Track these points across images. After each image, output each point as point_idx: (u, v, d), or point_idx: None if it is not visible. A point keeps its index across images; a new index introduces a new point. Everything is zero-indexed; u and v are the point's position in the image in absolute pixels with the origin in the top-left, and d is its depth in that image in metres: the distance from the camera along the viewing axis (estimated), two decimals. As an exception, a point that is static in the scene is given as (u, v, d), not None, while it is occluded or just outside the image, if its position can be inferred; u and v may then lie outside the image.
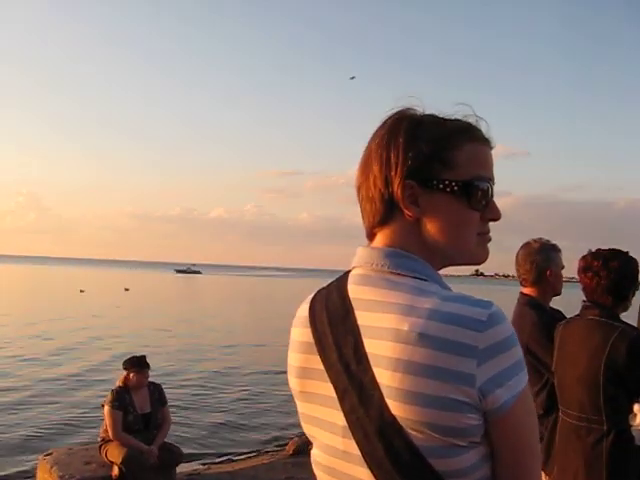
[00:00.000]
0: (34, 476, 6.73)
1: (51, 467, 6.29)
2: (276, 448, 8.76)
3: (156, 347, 17.89)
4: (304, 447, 8.14)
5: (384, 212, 1.19)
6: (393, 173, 1.16)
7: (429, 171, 1.16)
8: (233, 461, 8.23)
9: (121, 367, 6.18)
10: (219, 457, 8.41)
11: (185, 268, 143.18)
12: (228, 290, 71.73)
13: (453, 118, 1.21)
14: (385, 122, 1.22)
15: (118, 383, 6.13)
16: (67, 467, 6.24)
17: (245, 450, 8.76)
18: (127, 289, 52.40)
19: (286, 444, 8.49)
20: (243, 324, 28.21)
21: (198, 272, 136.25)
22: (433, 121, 1.20)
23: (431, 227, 1.18)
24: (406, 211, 1.17)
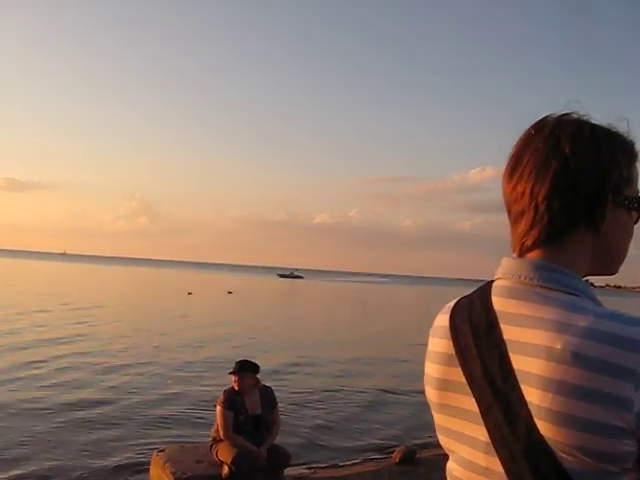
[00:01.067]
0: (147, 471, 6.92)
1: (164, 463, 6.50)
2: (382, 456, 8.66)
3: (268, 351, 18.07)
4: (410, 456, 8.06)
5: (556, 225, 1.12)
6: (576, 185, 1.10)
7: (620, 186, 1.13)
8: (339, 467, 8.17)
9: (232, 369, 6.26)
10: (325, 462, 8.37)
11: (288, 272, 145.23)
12: (332, 295, 71.72)
13: (614, 130, 1.16)
14: (546, 128, 1.15)
15: (230, 384, 6.21)
16: (179, 464, 6.44)
17: (351, 456, 8.68)
18: (230, 292, 53.19)
19: (392, 452, 8.40)
20: (354, 331, 27.94)
21: (300, 277, 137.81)
22: (608, 132, 1.15)
23: (610, 242, 1.16)
24: (599, 226, 1.12)
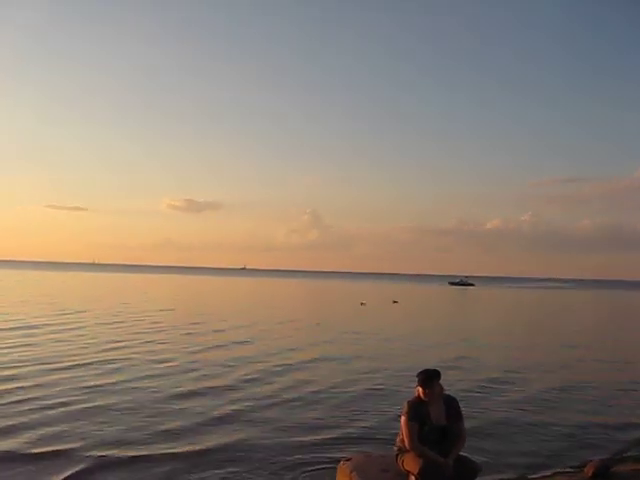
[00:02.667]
0: (334, 479, 7.04)
1: (350, 472, 6.61)
2: (573, 469, 8.25)
3: (452, 361, 17.88)
4: (604, 470, 7.62)
5: None
6: None
7: None
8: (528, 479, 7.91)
9: (418, 379, 6.18)
10: (514, 474, 8.08)
11: (458, 280, 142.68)
12: (508, 302, 69.49)
13: None
14: None
15: (414, 394, 6.15)
16: (365, 473, 6.53)
17: (539, 469, 8.29)
18: (395, 301, 52.94)
19: (584, 465, 7.99)
20: (529, 340, 26.91)
21: (471, 284, 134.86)
22: None
23: None
24: None
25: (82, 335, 21.97)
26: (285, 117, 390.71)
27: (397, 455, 6.23)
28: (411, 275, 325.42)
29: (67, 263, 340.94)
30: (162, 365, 15.94)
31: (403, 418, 6.05)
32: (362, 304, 47.98)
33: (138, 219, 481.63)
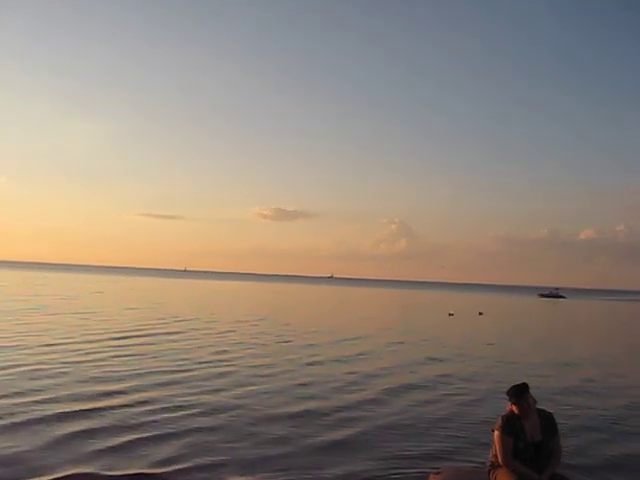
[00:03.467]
0: None
1: (440, 485, 6.57)
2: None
3: (543, 377, 17.06)
4: None
5: None
6: None
7: None
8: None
9: (510, 394, 6.05)
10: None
11: (548, 292, 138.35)
12: (607, 316, 66.77)
13: None
14: None
15: (508, 409, 6.06)
16: (456, 487, 6.51)
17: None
18: (481, 313, 52.01)
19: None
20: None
21: (562, 296, 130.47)
22: None
23: None
24: None
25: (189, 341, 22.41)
26: (379, 125, 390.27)
27: (489, 470, 6.15)
28: (499, 286, 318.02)
29: (159, 270, 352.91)
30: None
31: (497, 433, 5.96)
32: (450, 315, 47.77)
33: (229, 227, 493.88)
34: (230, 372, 15.88)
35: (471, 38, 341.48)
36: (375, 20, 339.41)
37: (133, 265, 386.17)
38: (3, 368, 14.79)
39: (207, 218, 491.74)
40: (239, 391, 13.35)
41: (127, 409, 11.13)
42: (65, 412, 10.63)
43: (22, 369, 14.79)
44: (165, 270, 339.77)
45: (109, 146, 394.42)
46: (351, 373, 16.53)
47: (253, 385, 14.15)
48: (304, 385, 14.46)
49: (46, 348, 18.53)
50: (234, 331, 26.91)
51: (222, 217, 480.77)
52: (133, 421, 10.30)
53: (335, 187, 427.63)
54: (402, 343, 25.37)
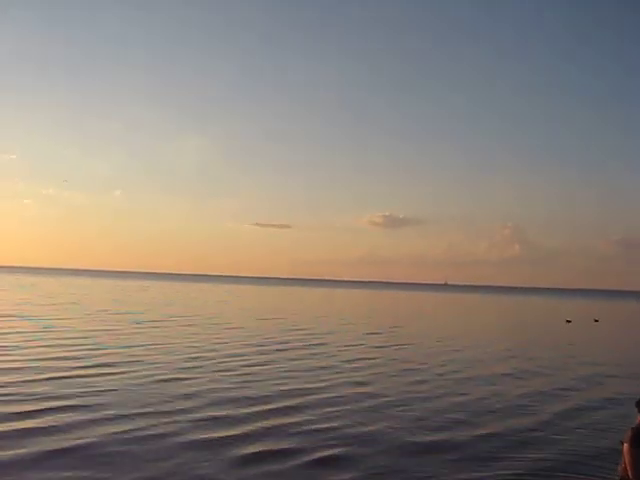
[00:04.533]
0: None
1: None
2: None
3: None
4: None
5: None
6: None
7: None
8: None
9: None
10: None
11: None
12: None
13: None
14: None
15: (637, 421, 5.96)
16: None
17: None
18: (596, 320, 50.88)
19: None
20: None
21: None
22: None
23: None
24: None
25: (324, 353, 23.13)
26: (485, 126, 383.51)
27: (619, 484, 6.05)
28: (615, 291, 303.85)
29: (270, 278, 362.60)
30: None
31: (626, 446, 5.81)
32: (568, 322, 47.60)
33: (340, 235, 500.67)
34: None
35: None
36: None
37: (244, 274, 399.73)
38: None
39: (317, 227, 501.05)
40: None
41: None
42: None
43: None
44: (276, 279, 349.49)
45: (221, 158, 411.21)
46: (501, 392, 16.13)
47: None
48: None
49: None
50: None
51: (332, 225, 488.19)
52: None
53: (443, 192, 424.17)
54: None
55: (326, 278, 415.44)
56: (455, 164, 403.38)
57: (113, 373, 16.39)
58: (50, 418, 11.15)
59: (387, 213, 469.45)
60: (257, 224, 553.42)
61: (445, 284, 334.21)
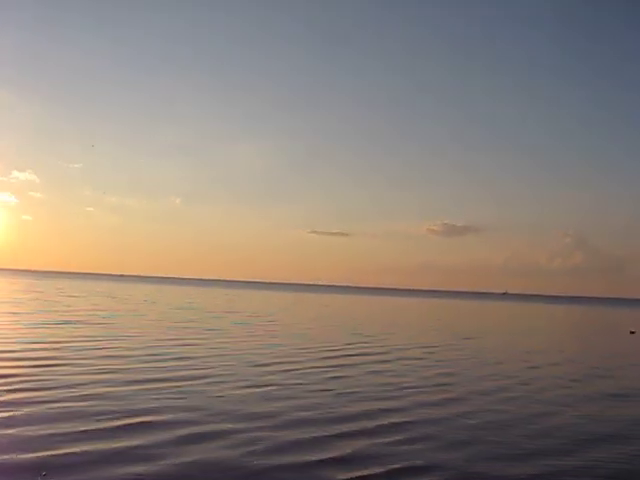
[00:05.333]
0: None
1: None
2: None
3: None
4: None
5: None
6: None
7: None
8: None
9: None
10: None
11: None
12: None
13: None
14: None
15: None
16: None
17: None
18: (633, 332, 48.50)
19: None
20: None
21: None
22: None
23: None
24: None
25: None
26: (548, 131, 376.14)
27: None
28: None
29: (329, 286, 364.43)
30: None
31: None
32: (632, 333, 46.88)
33: (398, 243, 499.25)
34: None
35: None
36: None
37: (303, 282, 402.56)
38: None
39: (376, 235, 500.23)
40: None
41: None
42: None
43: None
44: (335, 287, 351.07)
45: (281, 165, 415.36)
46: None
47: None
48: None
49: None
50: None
51: (391, 233, 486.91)
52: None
53: (502, 200, 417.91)
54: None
55: (383, 286, 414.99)
56: (515, 171, 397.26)
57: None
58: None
59: (446, 221, 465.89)
60: (315, 232, 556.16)
61: (505, 293, 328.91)
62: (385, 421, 12.82)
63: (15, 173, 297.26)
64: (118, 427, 11.19)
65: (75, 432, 10.68)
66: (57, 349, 21.63)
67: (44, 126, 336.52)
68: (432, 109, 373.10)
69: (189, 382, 16.30)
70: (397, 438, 11.46)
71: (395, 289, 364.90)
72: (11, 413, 11.80)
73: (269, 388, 16.08)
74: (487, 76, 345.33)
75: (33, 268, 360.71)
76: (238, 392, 15.30)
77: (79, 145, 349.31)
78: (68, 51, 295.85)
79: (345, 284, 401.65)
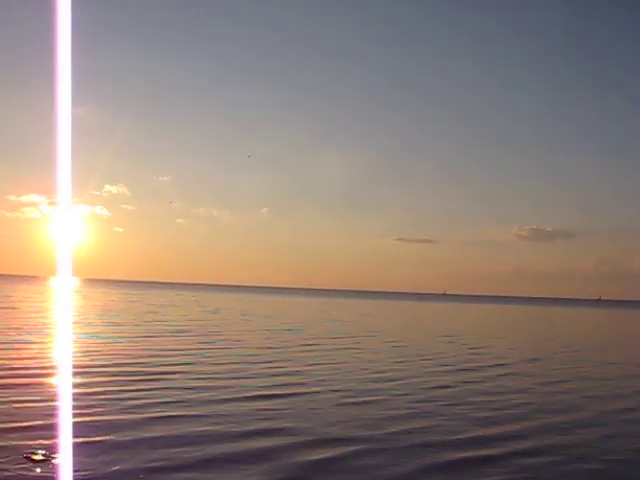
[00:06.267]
0: None
1: None
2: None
3: None
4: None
5: None
6: None
7: None
8: None
9: None
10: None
11: None
12: None
13: None
14: None
15: None
16: None
17: None
18: None
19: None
20: None
21: None
22: None
23: None
24: None
25: None
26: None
27: None
28: None
29: (419, 294, 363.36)
30: None
31: None
32: None
33: (485, 250, 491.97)
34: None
35: None
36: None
37: (391, 289, 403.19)
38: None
39: (461, 241, 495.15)
40: None
41: None
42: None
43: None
44: (423, 294, 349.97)
45: (366, 173, 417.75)
46: None
47: None
48: None
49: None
50: None
51: (477, 240, 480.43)
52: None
53: (591, 203, 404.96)
54: None
55: (472, 294, 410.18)
56: (605, 174, 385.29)
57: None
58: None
59: (534, 226, 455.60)
60: (400, 239, 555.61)
61: (599, 299, 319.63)
62: None
63: (107, 187, 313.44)
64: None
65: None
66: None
67: (134, 141, 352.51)
68: (514, 111, 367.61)
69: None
70: None
71: (484, 296, 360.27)
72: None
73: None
74: (566, 70, 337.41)
75: (124, 278, 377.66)
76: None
77: (168, 158, 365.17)
78: (160, 67, 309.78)
79: (430, 291, 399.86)
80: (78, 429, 10.12)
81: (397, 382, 18.56)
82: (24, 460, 8.71)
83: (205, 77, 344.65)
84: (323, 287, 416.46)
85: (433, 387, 17.88)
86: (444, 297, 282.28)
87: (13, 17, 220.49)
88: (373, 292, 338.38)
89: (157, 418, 12.12)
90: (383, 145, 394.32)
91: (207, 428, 11.47)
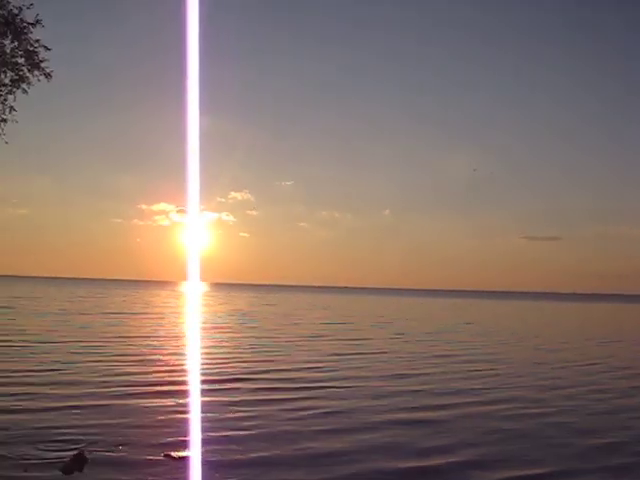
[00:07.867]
0: None
1: None
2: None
3: None
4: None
5: None
6: None
7: None
8: None
9: None
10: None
11: None
12: None
13: None
14: None
15: None
16: None
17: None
18: None
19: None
20: None
21: None
22: None
23: None
24: None
25: None
26: None
27: None
28: None
29: (547, 293, 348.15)
30: None
31: None
32: None
33: (614, 246, 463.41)
34: None
35: None
36: None
37: (516, 289, 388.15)
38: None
39: (592, 236, 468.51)
40: None
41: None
42: None
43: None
44: (552, 293, 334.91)
45: (487, 172, 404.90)
46: None
47: None
48: None
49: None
50: None
51: (605, 236, 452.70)
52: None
53: None
54: None
55: (603, 292, 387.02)
56: None
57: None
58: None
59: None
60: (526, 237, 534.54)
61: None
62: None
63: (232, 194, 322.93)
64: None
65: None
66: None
67: (257, 149, 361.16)
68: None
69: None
70: None
71: (620, 295, 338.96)
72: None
73: None
74: None
75: (251, 282, 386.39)
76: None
77: (291, 164, 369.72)
78: (276, 79, 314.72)
79: (557, 290, 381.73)
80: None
81: None
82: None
83: (327, 82, 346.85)
84: (446, 288, 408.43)
85: None
86: (574, 296, 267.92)
87: (145, 30, 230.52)
88: (499, 292, 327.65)
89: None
90: (510, 143, 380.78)
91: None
